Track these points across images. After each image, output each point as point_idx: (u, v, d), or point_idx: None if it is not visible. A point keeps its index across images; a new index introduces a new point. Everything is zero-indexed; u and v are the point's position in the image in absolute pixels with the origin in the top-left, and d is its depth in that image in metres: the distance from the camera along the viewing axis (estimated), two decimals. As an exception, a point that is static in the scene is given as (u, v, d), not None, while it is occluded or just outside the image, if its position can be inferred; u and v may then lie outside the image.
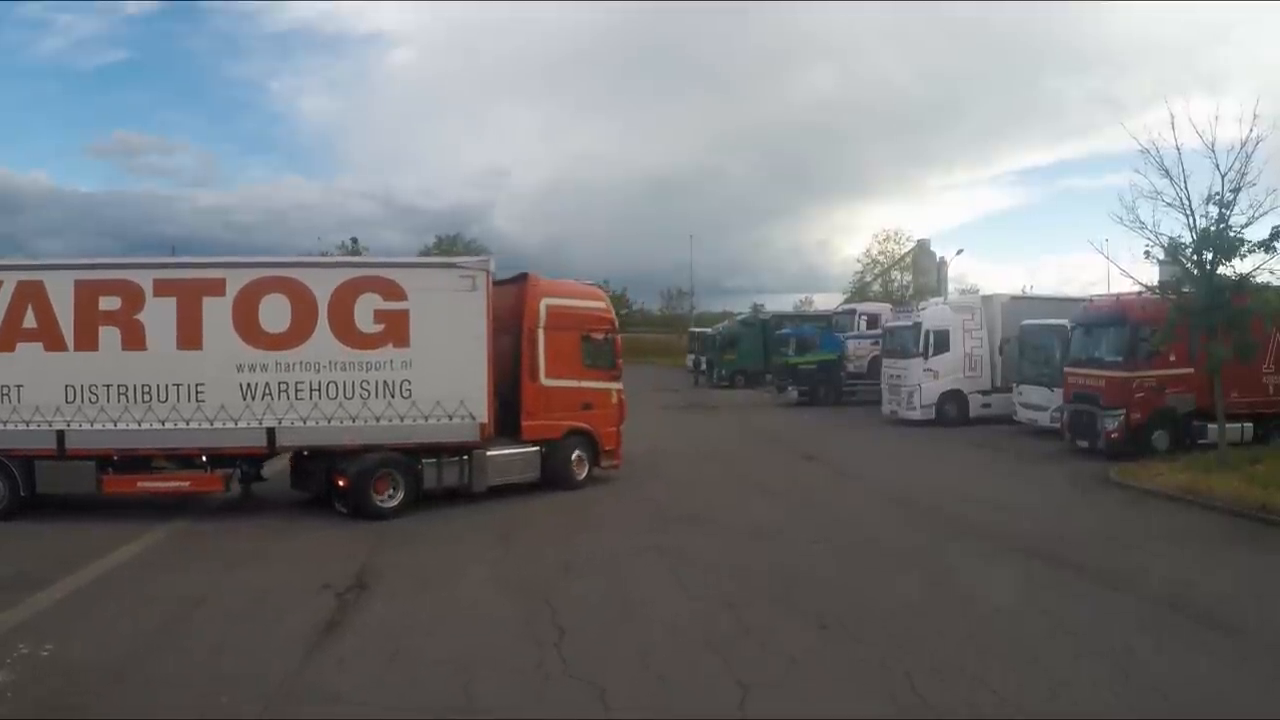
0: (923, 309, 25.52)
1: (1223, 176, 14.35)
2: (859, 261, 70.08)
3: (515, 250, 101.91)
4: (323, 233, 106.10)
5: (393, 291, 12.20)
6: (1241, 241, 14.45)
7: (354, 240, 64.23)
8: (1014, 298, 25.17)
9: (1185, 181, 14.60)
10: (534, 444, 13.58)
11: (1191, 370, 16.31)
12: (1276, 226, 14.11)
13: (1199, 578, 9.17)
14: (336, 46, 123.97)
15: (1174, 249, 15.04)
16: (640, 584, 9.06)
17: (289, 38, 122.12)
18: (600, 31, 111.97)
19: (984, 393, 23.67)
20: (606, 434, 14.40)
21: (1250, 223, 14.39)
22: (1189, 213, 14.68)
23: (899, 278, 63.60)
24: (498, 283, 13.32)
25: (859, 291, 60.69)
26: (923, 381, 23.38)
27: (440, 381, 12.18)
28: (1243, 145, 14.17)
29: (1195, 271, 14.91)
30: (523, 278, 14.21)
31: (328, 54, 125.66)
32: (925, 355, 23.39)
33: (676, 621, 7.75)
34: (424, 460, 12.37)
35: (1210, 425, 15.96)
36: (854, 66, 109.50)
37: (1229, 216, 14.40)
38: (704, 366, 41.83)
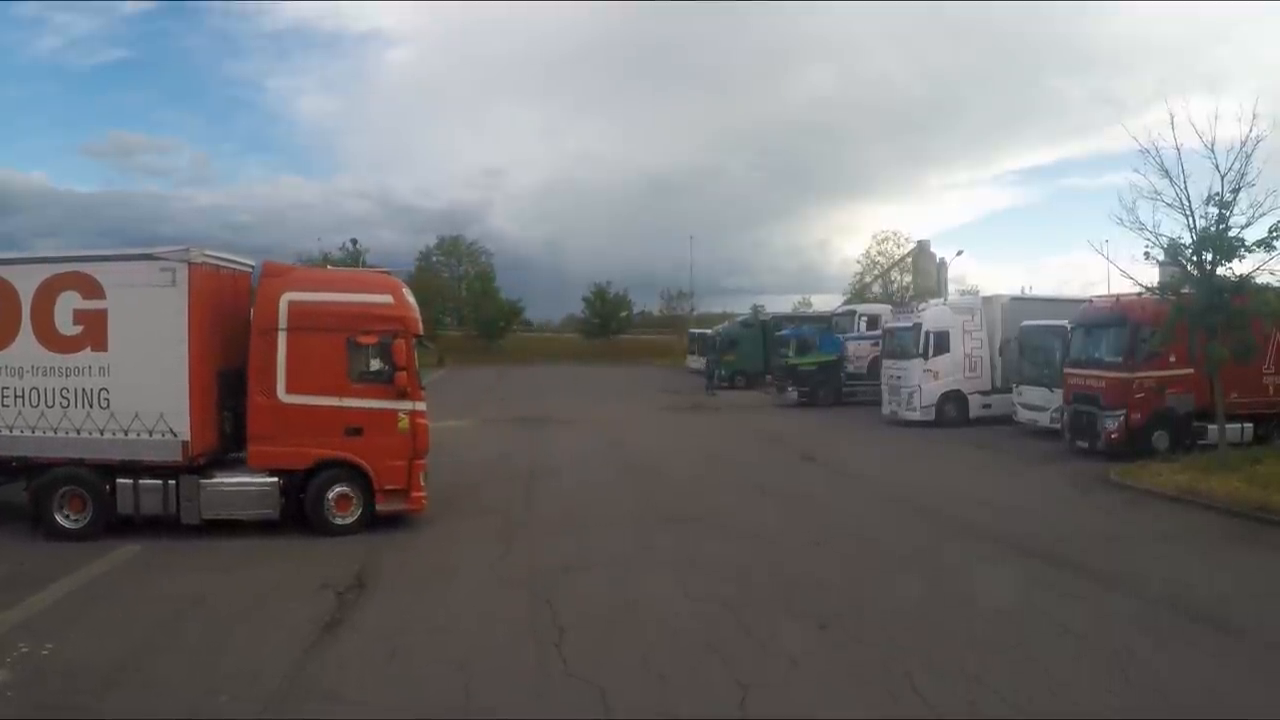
0: (923, 310, 25.51)
1: (1222, 177, 14.37)
2: (858, 262, 70.37)
3: (514, 250, 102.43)
4: (321, 233, 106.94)
5: (91, 289, 10.95)
6: (1241, 242, 14.46)
7: (354, 241, 64.49)
8: (1014, 299, 25.14)
9: (1185, 182, 14.65)
10: (269, 474, 11.13)
11: (1191, 371, 16.30)
12: (1275, 225, 14.12)
13: (1199, 578, 9.18)
14: (334, 45, 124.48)
15: (1174, 250, 15.05)
16: (641, 584, 9.06)
17: (286, 36, 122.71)
18: (599, 31, 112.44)
19: (984, 393, 23.68)
20: (387, 469, 11.18)
21: (1250, 223, 14.43)
22: (1189, 213, 14.72)
23: (899, 279, 63.65)
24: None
25: (858, 293, 60.74)
26: (923, 382, 23.37)
27: (138, 391, 10.82)
28: (1242, 145, 14.20)
29: (1195, 272, 14.92)
30: (262, 267, 11.98)
31: (325, 53, 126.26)
32: (925, 356, 23.38)
33: (677, 621, 7.75)
34: (118, 481, 10.89)
35: (1210, 426, 15.96)
36: (854, 66, 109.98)
37: (1229, 217, 14.42)
38: (711, 369, 40.27)
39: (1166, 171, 14.63)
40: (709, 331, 47.71)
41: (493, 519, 12.16)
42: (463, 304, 72.97)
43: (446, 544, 10.91)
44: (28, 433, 11.04)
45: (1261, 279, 14.76)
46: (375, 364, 11.56)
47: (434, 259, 76.36)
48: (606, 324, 70.74)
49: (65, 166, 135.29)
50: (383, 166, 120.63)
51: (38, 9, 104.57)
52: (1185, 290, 15.17)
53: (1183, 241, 14.92)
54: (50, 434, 11.00)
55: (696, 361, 46.46)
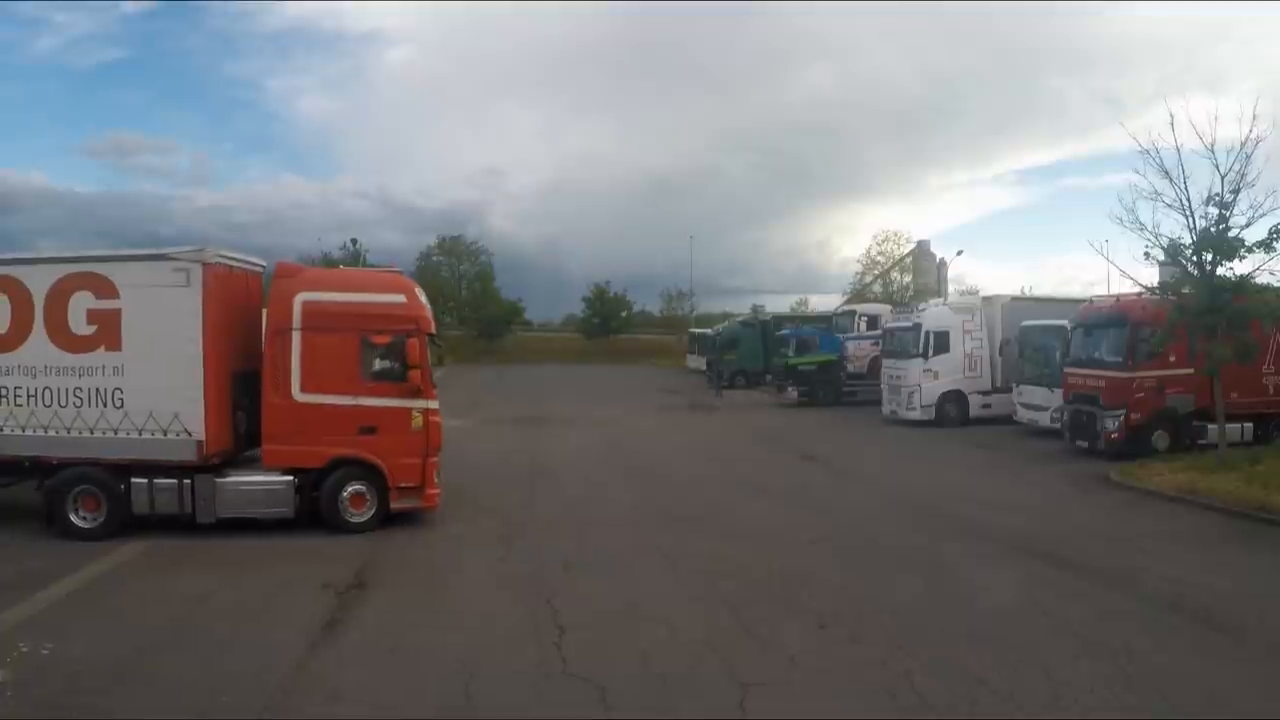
0: (923, 310, 25.53)
1: (1222, 177, 14.38)
2: (858, 262, 70.35)
3: (514, 250, 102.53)
4: (321, 233, 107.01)
5: (105, 289, 10.99)
6: (1241, 243, 14.47)
7: (354, 241, 64.28)
8: (1014, 298, 25.17)
9: (1185, 182, 14.66)
10: (284, 473, 11.20)
11: (1191, 371, 16.31)
12: (1275, 226, 14.13)
13: (1199, 578, 9.17)
14: (334, 45, 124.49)
15: (1174, 250, 15.05)
16: (641, 583, 9.07)
17: (286, 36, 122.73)
18: (600, 31, 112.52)
19: (984, 393, 23.72)
20: (401, 466, 11.30)
21: (1250, 224, 14.44)
22: (1189, 214, 14.74)
23: (899, 278, 63.64)
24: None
25: (858, 293, 60.74)
26: (923, 382, 23.41)
27: (153, 391, 10.84)
28: (1242, 146, 14.20)
29: (1195, 272, 14.92)
30: (275, 268, 11.98)
31: (325, 53, 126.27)
32: (925, 356, 23.43)
33: (677, 621, 7.75)
34: (133, 480, 10.89)
35: (1210, 425, 15.99)
36: (854, 66, 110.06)
37: (1229, 217, 14.43)
38: (718, 370, 39.02)
39: (1166, 172, 14.67)
40: (709, 331, 47.71)
41: (493, 519, 12.16)
42: (463, 304, 72.98)
43: (447, 543, 10.93)
44: (41, 432, 11.05)
45: (1261, 279, 14.79)
46: (388, 363, 11.57)
47: (434, 259, 76.29)
48: (606, 324, 70.74)
49: (65, 166, 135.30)
50: (383, 166, 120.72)
51: (38, 9, 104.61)
52: (1185, 290, 15.17)
53: (1183, 242, 14.95)
54: (64, 434, 11.01)
55: (696, 361, 46.46)
